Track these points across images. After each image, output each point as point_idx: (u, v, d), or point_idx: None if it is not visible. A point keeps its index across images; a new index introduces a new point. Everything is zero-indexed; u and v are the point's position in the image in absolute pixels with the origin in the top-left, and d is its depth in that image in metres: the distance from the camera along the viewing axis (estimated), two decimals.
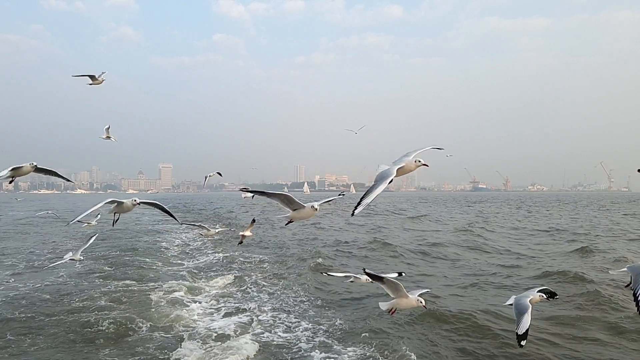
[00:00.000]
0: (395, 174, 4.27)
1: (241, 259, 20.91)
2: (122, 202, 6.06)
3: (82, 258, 9.91)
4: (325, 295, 14.36)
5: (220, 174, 13.04)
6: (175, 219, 6.54)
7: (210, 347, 9.82)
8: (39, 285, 15.26)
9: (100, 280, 15.99)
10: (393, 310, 6.43)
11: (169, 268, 18.93)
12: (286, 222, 5.77)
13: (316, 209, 5.38)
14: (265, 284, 15.74)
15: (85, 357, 9.22)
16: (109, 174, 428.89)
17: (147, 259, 20.45)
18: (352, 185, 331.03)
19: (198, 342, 10.07)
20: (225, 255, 21.94)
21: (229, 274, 17.20)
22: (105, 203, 5.98)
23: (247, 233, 9.42)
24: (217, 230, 10.85)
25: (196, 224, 12.44)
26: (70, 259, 9.72)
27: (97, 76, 8.71)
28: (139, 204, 6.04)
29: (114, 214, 6.37)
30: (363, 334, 10.51)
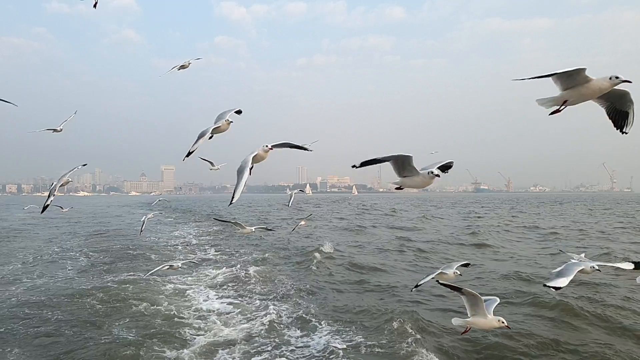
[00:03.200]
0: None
1: (238, 255, 22.35)
2: (255, 153, 5.18)
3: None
4: (312, 286, 15.76)
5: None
6: (305, 148, 5.72)
7: (210, 322, 11.41)
8: (52, 276, 16.86)
9: (109, 271, 17.62)
10: (467, 328, 6.41)
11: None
12: (396, 187, 5.40)
13: (437, 176, 4.95)
14: (258, 275, 17.09)
15: (101, 326, 10.83)
16: (112, 176, 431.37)
17: (153, 255, 21.92)
18: (354, 186, 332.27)
19: (200, 319, 11.69)
20: (224, 251, 23.49)
21: (227, 267, 18.61)
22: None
23: (303, 223, 12.07)
24: (252, 229, 10.80)
25: (231, 221, 11.51)
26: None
27: (187, 62, 8.81)
28: (271, 148, 5.26)
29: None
30: (341, 315, 12.02)
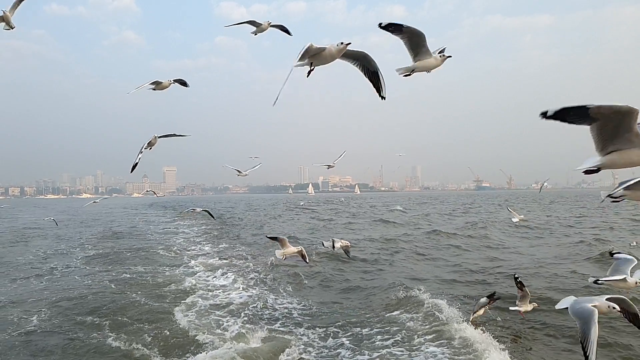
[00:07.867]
0: None
1: (238, 246, 24.56)
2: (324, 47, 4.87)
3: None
4: (301, 271, 17.56)
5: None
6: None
7: (213, 293, 13.68)
8: (67, 266, 18.81)
9: (118, 262, 19.57)
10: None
11: (176, 255, 22.17)
12: (405, 73, 5.36)
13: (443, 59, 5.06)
14: (251, 265, 18.86)
15: (119, 294, 12.98)
16: (114, 178, 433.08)
17: (160, 250, 23.62)
18: (356, 185, 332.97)
19: (204, 290, 13.97)
20: (224, 246, 25.37)
21: (227, 260, 20.37)
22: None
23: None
24: (339, 245, 12.27)
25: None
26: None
27: (266, 23, 8.99)
28: (345, 46, 4.96)
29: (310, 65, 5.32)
30: (309, 288, 14.10)
